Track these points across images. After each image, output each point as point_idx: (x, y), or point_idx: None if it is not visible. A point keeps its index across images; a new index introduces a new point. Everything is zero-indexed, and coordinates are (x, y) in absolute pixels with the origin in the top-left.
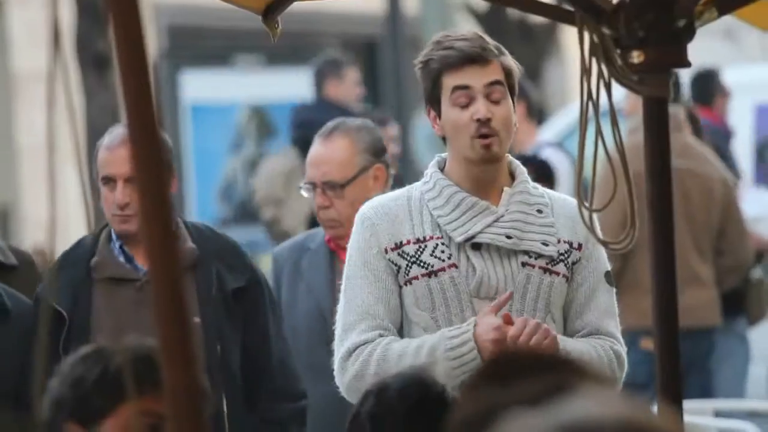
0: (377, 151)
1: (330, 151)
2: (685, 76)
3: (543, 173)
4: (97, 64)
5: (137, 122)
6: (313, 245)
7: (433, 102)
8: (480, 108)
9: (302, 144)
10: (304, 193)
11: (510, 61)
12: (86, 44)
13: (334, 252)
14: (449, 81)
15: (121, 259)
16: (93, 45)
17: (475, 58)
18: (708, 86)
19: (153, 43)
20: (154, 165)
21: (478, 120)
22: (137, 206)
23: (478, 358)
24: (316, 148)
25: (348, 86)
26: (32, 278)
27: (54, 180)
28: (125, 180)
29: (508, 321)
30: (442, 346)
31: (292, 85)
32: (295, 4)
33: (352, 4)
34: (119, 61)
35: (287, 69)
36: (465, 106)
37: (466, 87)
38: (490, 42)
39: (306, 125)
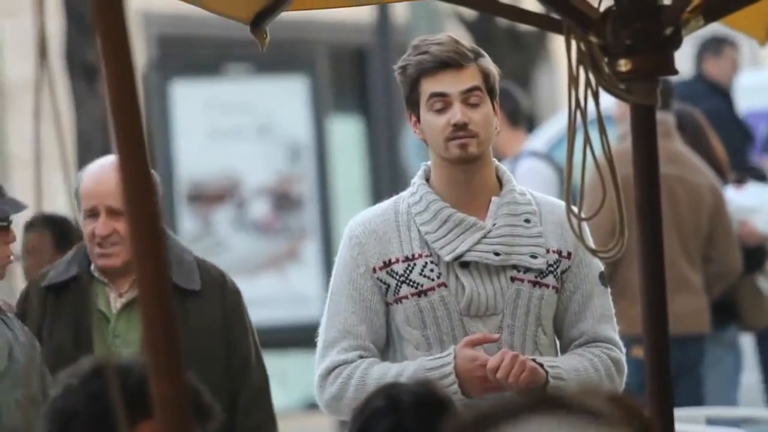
0: None
1: None
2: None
3: None
4: (86, 74)
5: (124, 132)
6: None
7: (413, 107)
8: (456, 113)
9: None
10: None
11: (488, 63)
12: (76, 54)
13: None
14: (426, 87)
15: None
16: (82, 55)
17: (450, 63)
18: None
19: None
20: (141, 174)
21: (455, 125)
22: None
23: (458, 393)
24: None
25: (725, 64)
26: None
27: (41, 189)
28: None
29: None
30: (420, 376)
31: (283, 94)
32: (284, 12)
33: (341, 13)
34: (106, 71)
35: (278, 77)
36: (442, 111)
37: (442, 94)
38: (467, 46)
39: (685, 101)
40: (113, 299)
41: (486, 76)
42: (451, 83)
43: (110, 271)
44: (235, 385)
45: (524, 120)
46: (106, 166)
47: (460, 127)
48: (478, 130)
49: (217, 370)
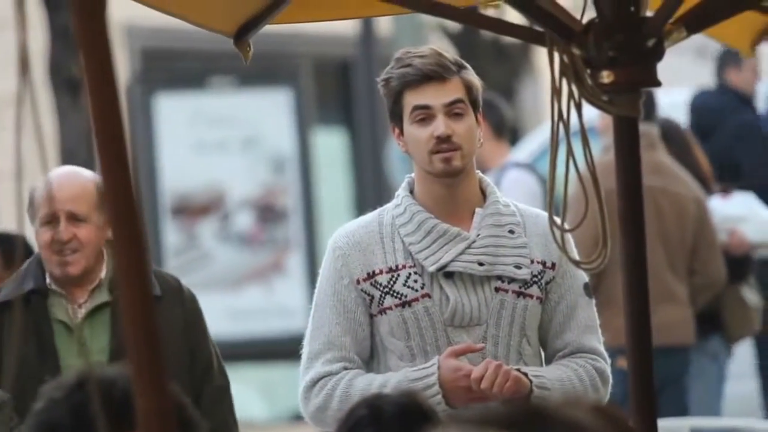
0: None
1: None
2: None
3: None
4: (70, 88)
5: (107, 145)
6: None
7: (396, 119)
8: (439, 125)
9: (697, 129)
10: None
11: (471, 75)
12: (59, 68)
13: None
14: (409, 99)
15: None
16: (66, 69)
17: (433, 76)
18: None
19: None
20: (125, 188)
21: (438, 137)
22: (110, 230)
23: (442, 403)
24: None
25: (747, 73)
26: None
27: (23, 203)
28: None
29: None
30: (404, 387)
31: (267, 106)
32: (268, 25)
33: (325, 26)
34: (89, 85)
35: (262, 90)
36: (425, 122)
37: (425, 107)
38: (449, 58)
39: (705, 111)
40: (72, 309)
41: (469, 88)
42: (434, 96)
43: (67, 281)
44: (197, 387)
45: (508, 132)
46: (68, 172)
47: (444, 140)
48: (462, 142)
49: (182, 375)
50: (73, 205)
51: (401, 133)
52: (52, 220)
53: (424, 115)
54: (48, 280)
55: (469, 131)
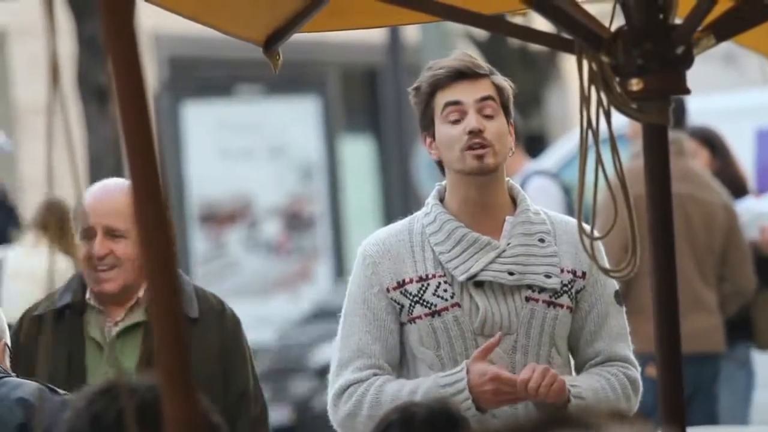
0: None
1: None
2: None
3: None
4: (98, 97)
5: (136, 154)
6: None
7: (428, 125)
8: (471, 120)
9: None
10: None
11: (501, 80)
12: (87, 77)
13: None
14: (441, 99)
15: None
16: (94, 77)
17: (466, 72)
18: None
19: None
20: (154, 196)
21: (471, 132)
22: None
23: (472, 408)
24: None
25: None
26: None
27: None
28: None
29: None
30: (434, 393)
31: (294, 114)
32: (296, 34)
33: (353, 34)
34: (118, 93)
35: (289, 98)
36: (457, 122)
37: (457, 102)
38: (482, 62)
39: None
40: (107, 328)
41: (500, 90)
42: (465, 92)
43: (106, 298)
44: (232, 414)
45: (522, 139)
46: (108, 186)
47: (476, 134)
48: (493, 140)
49: (215, 400)
50: (111, 219)
51: (433, 139)
52: (89, 234)
53: (456, 111)
54: (88, 296)
55: (500, 131)
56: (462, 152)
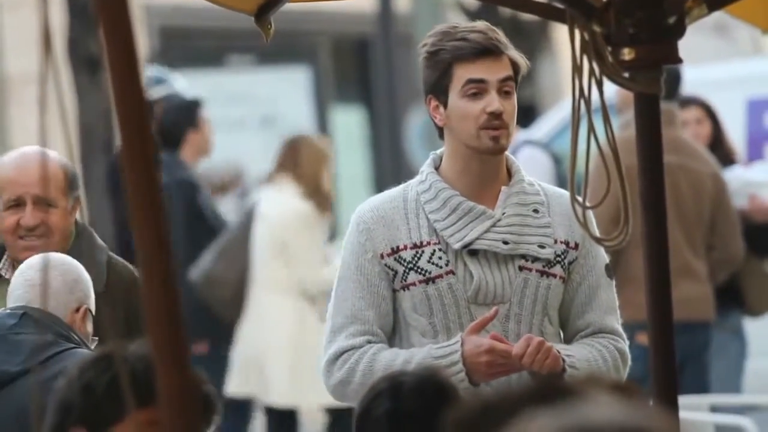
0: None
1: None
2: None
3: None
4: (89, 66)
5: (128, 123)
6: None
7: (439, 92)
8: (493, 101)
9: None
10: None
11: (518, 56)
12: (78, 46)
13: None
14: (462, 72)
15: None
16: (85, 47)
17: (491, 50)
18: None
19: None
20: (146, 166)
21: (491, 113)
22: (129, 205)
23: (465, 380)
24: None
25: None
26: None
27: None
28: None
29: (495, 338)
30: (428, 364)
31: (285, 84)
32: (287, 3)
33: (344, 4)
34: (109, 63)
35: (280, 68)
36: (476, 97)
37: (480, 80)
38: (501, 35)
39: None
40: None
41: (516, 67)
42: (489, 70)
43: None
44: None
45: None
46: (28, 154)
47: (496, 116)
48: (509, 121)
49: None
50: (40, 189)
51: (444, 106)
52: (17, 203)
53: (477, 89)
54: (1, 266)
55: (514, 111)
56: (478, 130)
